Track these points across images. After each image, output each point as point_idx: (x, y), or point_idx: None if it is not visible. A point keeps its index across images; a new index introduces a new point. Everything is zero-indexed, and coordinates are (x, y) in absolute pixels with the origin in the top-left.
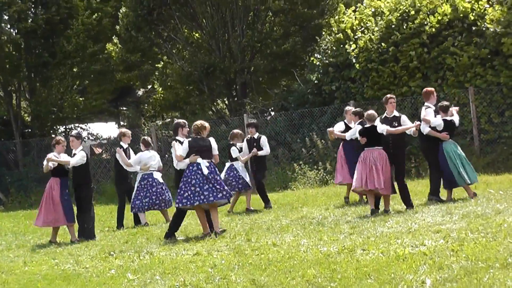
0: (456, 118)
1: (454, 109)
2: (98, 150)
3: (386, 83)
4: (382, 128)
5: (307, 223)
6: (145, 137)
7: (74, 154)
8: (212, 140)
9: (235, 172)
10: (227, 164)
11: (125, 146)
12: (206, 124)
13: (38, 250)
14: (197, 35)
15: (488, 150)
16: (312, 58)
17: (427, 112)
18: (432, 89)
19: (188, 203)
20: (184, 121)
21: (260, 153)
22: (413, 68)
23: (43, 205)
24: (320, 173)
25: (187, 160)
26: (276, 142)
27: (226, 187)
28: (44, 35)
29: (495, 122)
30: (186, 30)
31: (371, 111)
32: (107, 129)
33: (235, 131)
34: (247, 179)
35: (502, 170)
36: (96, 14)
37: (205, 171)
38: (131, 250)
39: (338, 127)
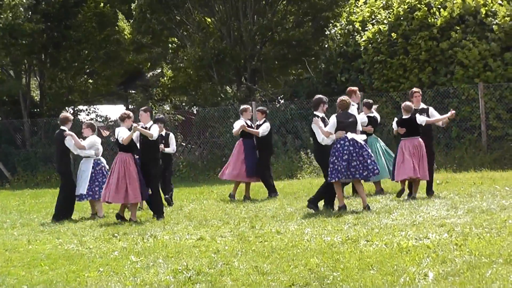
0: (377, 115)
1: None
2: (105, 133)
3: (395, 76)
4: (422, 119)
5: (311, 212)
6: (91, 122)
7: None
8: (357, 115)
9: None
10: None
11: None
12: (350, 100)
13: (42, 229)
14: (208, 20)
15: (496, 147)
16: (330, 42)
17: (353, 109)
18: (356, 88)
19: (343, 177)
20: (325, 97)
21: (167, 150)
22: (423, 61)
23: (116, 181)
24: None
25: (334, 136)
26: (285, 130)
27: (375, 163)
28: (58, 17)
29: (504, 119)
30: (198, 16)
31: (408, 103)
32: (116, 112)
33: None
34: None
35: (508, 167)
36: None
37: (358, 145)
38: (135, 233)
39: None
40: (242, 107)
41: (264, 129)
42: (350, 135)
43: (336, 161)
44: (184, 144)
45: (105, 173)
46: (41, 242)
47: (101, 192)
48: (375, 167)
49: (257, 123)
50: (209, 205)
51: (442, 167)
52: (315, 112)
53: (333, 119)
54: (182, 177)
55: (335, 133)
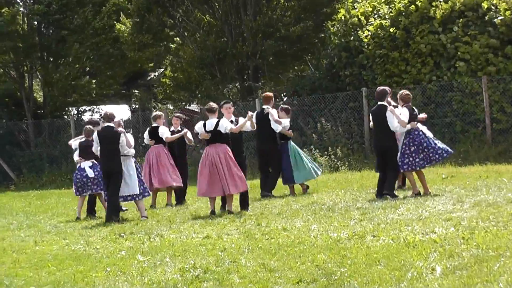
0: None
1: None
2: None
3: (398, 71)
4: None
5: (317, 209)
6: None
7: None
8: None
9: None
10: None
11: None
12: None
13: (49, 230)
14: (208, 17)
15: (500, 140)
16: (331, 37)
17: (274, 112)
18: (271, 94)
19: (426, 163)
20: (389, 88)
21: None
22: (425, 56)
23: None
24: (331, 159)
25: (409, 126)
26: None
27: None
28: (59, 12)
29: (508, 112)
30: (197, 14)
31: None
32: (119, 112)
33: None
34: None
35: None
36: None
37: (427, 133)
38: (141, 232)
39: None
40: (153, 114)
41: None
42: (421, 127)
43: (408, 151)
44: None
45: (140, 171)
46: (48, 243)
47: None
48: (445, 149)
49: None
50: (215, 203)
51: (447, 161)
52: (380, 103)
53: (406, 111)
54: (188, 176)
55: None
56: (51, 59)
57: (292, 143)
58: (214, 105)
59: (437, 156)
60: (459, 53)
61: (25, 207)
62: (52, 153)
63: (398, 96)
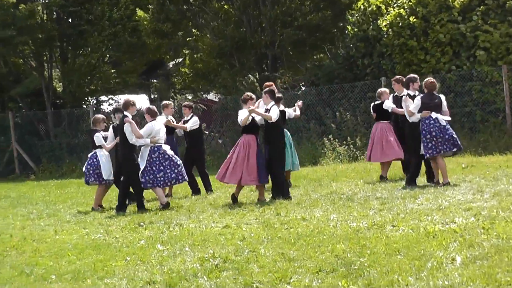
0: (288, 109)
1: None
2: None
3: (417, 60)
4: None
5: (336, 199)
6: (151, 106)
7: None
8: (442, 97)
9: None
10: None
11: (130, 116)
12: (435, 82)
13: (68, 219)
14: (226, 7)
15: None
16: (349, 27)
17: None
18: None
19: (434, 152)
20: (416, 75)
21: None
22: (445, 45)
23: (234, 161)
24: (350, 149)
25: (419, 115)
26: (308, 116)
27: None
28: (76, 3)
29: None
30: (216, 4)
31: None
32: (138, 101)
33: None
34: None
35: None
36: None
37: (443, 123)
38: (160, 222)
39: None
40: (163, 102)
41: (192, 124)
42: (434, 115)
43: (425, 139)
44: (206, 133)
45: (161, 160)
46: (68, 232)
47: (155, 180)
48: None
49: (184, 118)
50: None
51: (467, 151)
52: (408, 92)
53: (417, 100)
54: (207, 166)
55: (419, 113)
56: (70, 49)
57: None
58: (249, 94)
59: (444, 146)
60: (479, 42)
61: (45, 196)
62: (71, 143)
63: (424, 84)
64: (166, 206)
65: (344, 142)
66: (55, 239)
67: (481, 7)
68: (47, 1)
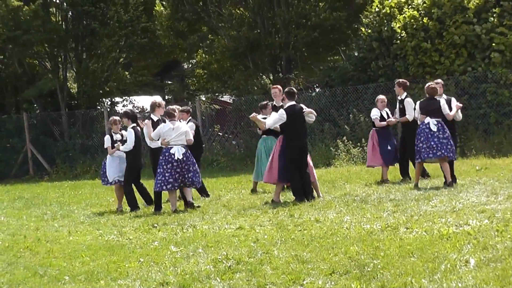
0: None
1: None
2: (143, 124)
3: (431, 62)
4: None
5: (350, 200)
6: (169, 107)
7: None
8: (442, 100)
9: None
10: None
11: (155, 118)
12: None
13: (82, 220)
14: (241, 9)
15: None
16: (362, 29)
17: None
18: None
19: (418, 158)
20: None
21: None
22: (460, 47)
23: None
24: (364, 150)
25: (416, 118)
26: (322, 118)
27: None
28: (89, 3)
29: None
30: (230, 7)
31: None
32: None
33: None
34: None
35: None
36: None
37: (433, 128)
38: (174, 223)
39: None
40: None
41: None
42: (427, 120)
43: (418, 143)
44: (221, 134)
45: (163, 163)
46: (81, 233)
47: (156, 182)
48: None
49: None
50: (247, 194)
51: (481, 152)
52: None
53: (416, 105)
54: (221, 167)
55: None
56: (85, 50)
57: (266, 140)
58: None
59: (426, 154)
60: (494, 44)
61: (59, 197)
62: (85, 144)
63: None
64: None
65: (358, 144)
66: (68, 240)
67: (497, 8)
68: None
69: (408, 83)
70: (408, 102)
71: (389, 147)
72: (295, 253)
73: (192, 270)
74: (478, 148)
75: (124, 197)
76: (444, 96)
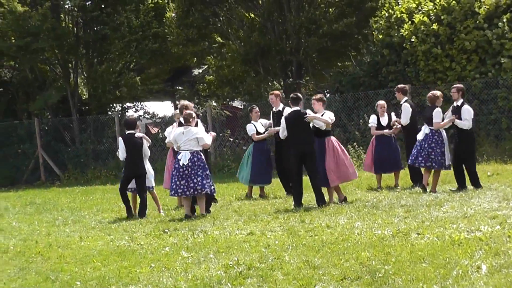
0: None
1: None
2: (154, 130)
3: (442, 68)
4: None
5: (361, 206)
6: (186, 111)
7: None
8: (437, 109)
9: None
10: None
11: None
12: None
13: (93, 225)
14: (252, 15)
15: None
16: (374, 33)
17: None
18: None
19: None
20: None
21: None
22: (470, 52)
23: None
24: None
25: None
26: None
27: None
28: (99, 8)
29: None
30: (240, 12)
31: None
32: (163, 108)
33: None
34: None
35: None
36: None
37: (419, 137)
38: (185, 228)
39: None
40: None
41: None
42: (423, 127)
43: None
44: (231, 139)
45: (171, 168)
46: (93, 239)
47: (172, 189)
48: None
49: None
50: (258, 200)
51: (492, 158)
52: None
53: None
54: (231, 172)
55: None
56: (95, 56)
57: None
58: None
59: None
60: (504, 49)
61: (70, 202)
62: (97, 149)
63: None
64: (185, 217)
65: None
66: (80, 246)
67: (507, 14)
68: (69, 7)
69: (407, 88)
70: (405, 107)
71: (387, 154)
72: (306, 258)
73: (203, 276)
74: (489, 153)
75: (154, 201)
76: (458, 102)
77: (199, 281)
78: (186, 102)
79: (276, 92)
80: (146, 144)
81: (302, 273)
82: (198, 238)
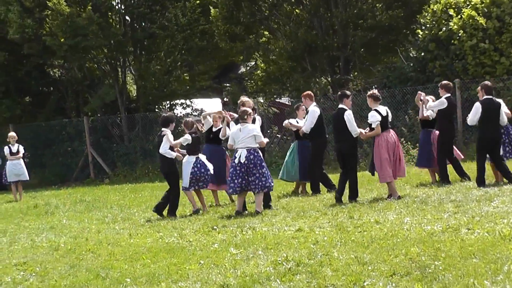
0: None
1: None
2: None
3: (490, 61)
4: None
5: (410, 202)
6: (243, 108)
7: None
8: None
9: None
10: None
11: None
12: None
13: (143, 223)
14: (297, 11)
15: None
16: (418, 30)
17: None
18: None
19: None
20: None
21: None
22: None
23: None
24: None
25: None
26: None
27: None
28: (146, 6)
29: None
30: (286, 8)
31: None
32: (211, 105)
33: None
34: None
35: None
36: None
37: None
38: (233, 225)
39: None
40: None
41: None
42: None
43: None
44: (279, 136)
45: (236, 166)
46: (142, 236)
47: (229, 187)
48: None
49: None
50: (306, 196)
51: None
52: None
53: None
54: (280, 169)
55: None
56: (144, 54)
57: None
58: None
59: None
60: None
61: (119, 200)
62: (145, 147)
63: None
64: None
65: (417, 144)
66: (129, 243)
67: None
68: (119, 7)
69: (450, 85)
70: (442, 101)
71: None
72: (355, 254)
73: (252, 272)
74: None
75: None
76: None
77: (248, 277)
78: (244, 99)
79: (304, 93)
80: (165, 142)
81: (351, 269)
82: (247, 234)
